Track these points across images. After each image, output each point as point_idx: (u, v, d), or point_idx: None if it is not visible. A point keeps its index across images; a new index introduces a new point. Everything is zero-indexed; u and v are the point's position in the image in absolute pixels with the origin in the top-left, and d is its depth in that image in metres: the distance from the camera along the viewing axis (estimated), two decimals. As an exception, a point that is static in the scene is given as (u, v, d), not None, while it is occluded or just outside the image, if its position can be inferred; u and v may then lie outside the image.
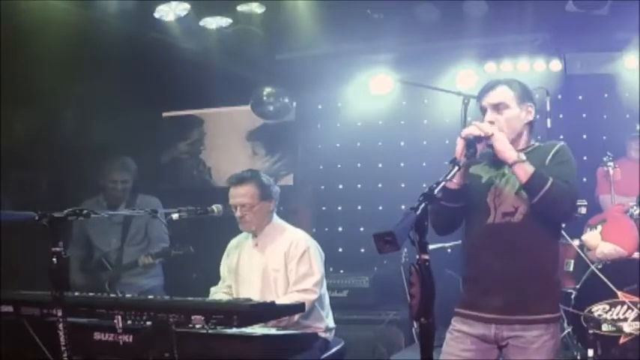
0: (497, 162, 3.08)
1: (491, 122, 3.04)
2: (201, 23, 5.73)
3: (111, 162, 5.29)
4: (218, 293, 4.18)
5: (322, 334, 4.00)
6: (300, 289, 3.91)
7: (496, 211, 3.03)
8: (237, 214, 4.03)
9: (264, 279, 4.03)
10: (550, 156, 3.03)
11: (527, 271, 2.96)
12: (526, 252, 2.97)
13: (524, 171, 2.89)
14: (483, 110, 3.12)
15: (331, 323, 4.14)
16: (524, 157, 2.93)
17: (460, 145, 2.93)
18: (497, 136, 2.94)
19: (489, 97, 3.10)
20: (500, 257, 2.98)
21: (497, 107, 3.07)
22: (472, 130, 2.96)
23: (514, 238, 2.98)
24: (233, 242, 4.28)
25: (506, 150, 2.93)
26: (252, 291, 3.96)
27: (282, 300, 3.81)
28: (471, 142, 2.92)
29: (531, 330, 2.93)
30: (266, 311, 3.03)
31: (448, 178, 2.70)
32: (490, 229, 3.03)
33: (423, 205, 2.36)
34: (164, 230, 5.14)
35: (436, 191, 2.50)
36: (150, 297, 3.39)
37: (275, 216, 4.17)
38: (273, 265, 4.01)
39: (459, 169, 2.79)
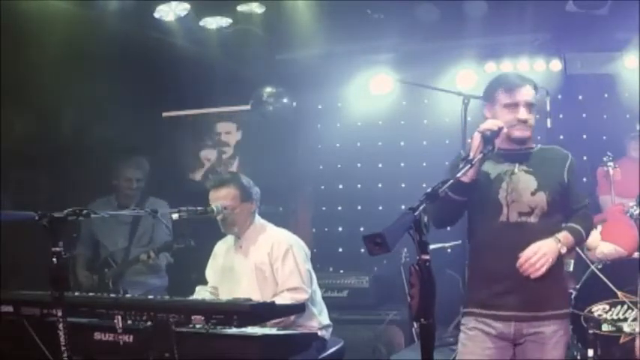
0: (503, 158, 3.07)
1: (525, 120, 3.03)
2: (201, 23, 5.74)
3: (125, 161, 5.35)
4: (201, 292, 4.16)
5: (318, 333, 3.98)
6: (289, 287, 3.90)
7: (509, 209, 3.01)
8: (219, 217, 4.00)
9: (250, 281, 4.00)
10: (566, 171, 3.09)
11: None
12: None
13: (567, 248, 3.04)
14: (511, 105, 3.04)
15: (325, 320, 4.10)
16: (560, 239, 3.01)
17: (477, 140, 2.88)
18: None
19: (524, 94, 3.05)
20: (517, 255, 2.97)
21: (531, 107, 3.05)
22: (490, 126, 2.91)
23: (531, 238, 2.98)
24: (219, 245, 4.26)
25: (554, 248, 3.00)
26: (239, 293, 3.89)
27: (277, 301, 3.79)
28: (488, 138, 2.87)
29: (550, 325, 2.99)
30: (266, 311, 3.03)
31: (458, 176, 2.68)
32: (505, 227, 3.02)
33: (423, 205, 2.33)
34: (167, 233, 5.15)
35: (440, 191, 2.48)
36: (150, 297, 3.40)
37: (257, 217, 4.15)
38: (258, 267, 4.00)
39: (470, 167, 2.77)
